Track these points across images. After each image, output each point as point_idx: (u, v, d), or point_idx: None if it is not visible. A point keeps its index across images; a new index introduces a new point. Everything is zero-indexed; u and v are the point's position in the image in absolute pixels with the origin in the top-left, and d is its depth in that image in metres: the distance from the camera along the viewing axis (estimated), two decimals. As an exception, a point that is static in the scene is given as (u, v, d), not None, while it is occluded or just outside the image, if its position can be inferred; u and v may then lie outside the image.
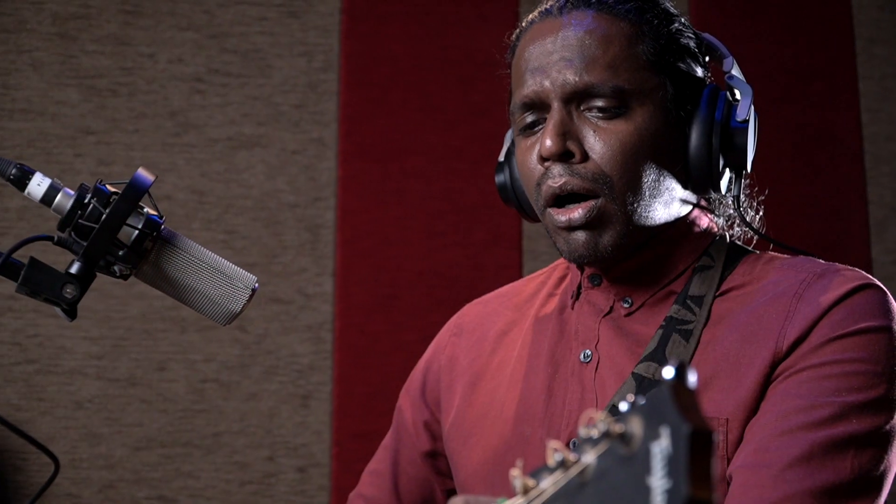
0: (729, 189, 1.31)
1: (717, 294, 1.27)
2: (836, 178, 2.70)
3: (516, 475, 0.69)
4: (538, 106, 1.26)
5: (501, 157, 1.40)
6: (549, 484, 0.68)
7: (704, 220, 1.33)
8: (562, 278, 1.42)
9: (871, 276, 1.24)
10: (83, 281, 1.12)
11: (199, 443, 2.57)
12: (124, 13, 2.67)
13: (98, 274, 1.14)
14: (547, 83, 1.24)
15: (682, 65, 1.27)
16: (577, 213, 1.23)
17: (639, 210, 1.25)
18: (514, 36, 1.33)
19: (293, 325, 2.63)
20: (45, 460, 2.41)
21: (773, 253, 1.32)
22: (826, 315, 1.19)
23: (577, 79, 1.22)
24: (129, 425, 2.57)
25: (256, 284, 1.18)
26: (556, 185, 1.23)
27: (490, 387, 1.40)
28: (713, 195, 1.31)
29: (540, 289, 1.45)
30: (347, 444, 2.52)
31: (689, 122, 1.26)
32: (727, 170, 1.29)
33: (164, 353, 2.59)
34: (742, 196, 1.31)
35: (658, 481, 0.60)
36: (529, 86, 1.26)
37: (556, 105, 1.24)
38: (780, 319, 1.21)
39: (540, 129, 1.26)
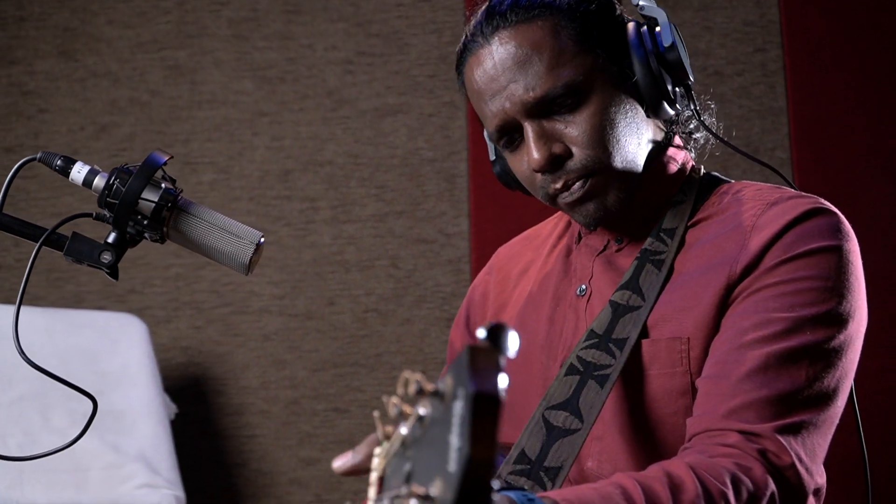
0: (686, 105, 1.33)
1: (689, 224, 1.29)
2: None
3: (378, 417, 0.72)
4: (510, 127, 1.27)
5: (492, 157, 1.40)
6: (403, 431, 0.69)
7: (680, 156, 1.35)
8: (570, 221, 1.45)
9: (824, 201, 1.24)
10: (118, 248, 1.17)
11: (364, 362, 2.75)
12: (286, 13, 2.87)
13: (141, 240, 1.20)
14: (507, 105, 1.24)
15: (602, 27, 1.28)
16: (574, 186, 1.26)
17: (625, 161, 1.27)
18: (456, 62, 1.33)
19: (437, 261, 2.77)
20: (243, 384, 2.73)
21: (745, 182, 1.33)
22: (779, 239, 1.20)
23: (530, 94, 1.23)
24: (307, 351, 2.77)
25: (262, 239, 1.21)
26: (559, 186, 1.26)
27: (508, 318, 1.44)
28: (672, 114, 1.31)
29: (553, 231, 1.48)
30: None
31: (630, 67, 1.27)
32: (677, 89, 1.30)
33: (333, 290, 2.78)
34: (697, 103, 1.33)
35: (454, 439, 0.59)
36: (495, 114, 1.26)
37: (525, 122, 1.25)
38: (736, 248, 1.22)
39: (520, 142, 1.28)
